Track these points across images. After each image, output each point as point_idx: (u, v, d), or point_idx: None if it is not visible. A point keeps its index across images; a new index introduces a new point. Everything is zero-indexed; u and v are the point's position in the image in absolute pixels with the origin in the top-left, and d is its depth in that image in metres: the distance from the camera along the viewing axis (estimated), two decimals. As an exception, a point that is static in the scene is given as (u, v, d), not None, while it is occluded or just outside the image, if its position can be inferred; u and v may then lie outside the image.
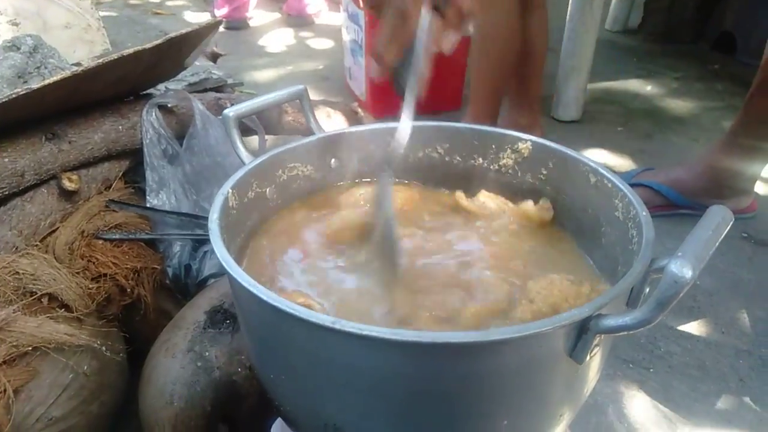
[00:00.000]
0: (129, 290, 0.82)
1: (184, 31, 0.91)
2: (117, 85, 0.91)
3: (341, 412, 0.46)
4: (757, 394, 0.95)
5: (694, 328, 1.08)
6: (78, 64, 1.20)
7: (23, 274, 0.73)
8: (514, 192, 0.68)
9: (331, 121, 1.21)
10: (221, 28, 2.71)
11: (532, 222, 0.64)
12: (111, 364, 0.76)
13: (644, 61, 2.46)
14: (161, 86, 1.10)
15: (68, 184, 0.84)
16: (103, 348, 0.74)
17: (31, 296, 0.72)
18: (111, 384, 0.75)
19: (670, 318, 1.07)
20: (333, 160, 0.69)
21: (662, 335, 1.06)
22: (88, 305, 0.76)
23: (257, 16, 2.99)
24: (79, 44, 1.47)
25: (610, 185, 0.57)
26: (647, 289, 0.47)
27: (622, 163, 1.67)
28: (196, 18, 3.04)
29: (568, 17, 1.81)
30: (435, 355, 0.39)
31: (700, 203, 1.35)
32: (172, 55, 0.95)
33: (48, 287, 0.73)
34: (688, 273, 0.36)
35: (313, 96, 2.01)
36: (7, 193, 0.80)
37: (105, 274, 0.81)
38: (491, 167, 0.69)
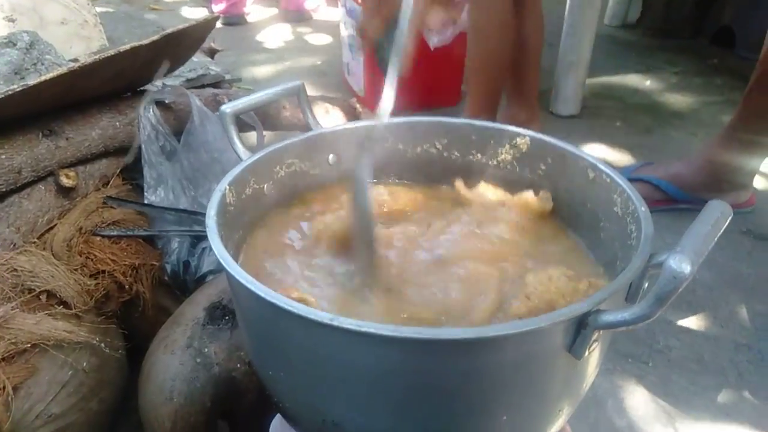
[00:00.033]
0: (127, 287, 0.82)
1: (181, 26, 0.90)
2: (114, 81, 0.91)
3: (340, 409, 0.46)
4: (756, 388, 0.95)
5: (693, 322, 1.08)
6: (75, 60, 1.20)
7: (21, 271, 0.73)
8: (512, 187, 0.67)
9: (329, 117, 1.20)
10: (219, 24, 2.70)
11: (532, 212, 0.64)
12: (110, 360, 0.76)
13: (643, 56, 2.45)
14: (159, 82, 1.10)
15: (66, 181, 0.84)
16: (102, 345, 0.74)
17: (30, 293, 0.72)
18: (110, 381, 0.75)
19: (669, 312, 1.07)
20: (331, 156, 0.69)
21: (661, 329, 1.06)
22: (87, 302, 0.76)
23: (255, 11, 2.98)
24: (76, 40, 1.47)
25: (608, 180, 0.56)
26: (646, 284, 0.47)
27: (621, 157, 1.66)
28: (194, 14, 3.03)
29: (566, 12, 1.81)
30: (433, 351, 0.39)
31: (699, 198, 1.35)
32: (169, 51, 0.94)
33: (46, 284, 0.73)
34: (686, 268, 0.36)
35: (312, 92, 2.01)
36: (4, 190, 0.80)
37: (103, 271, 0.81)
38: (490, 162, 0.69)
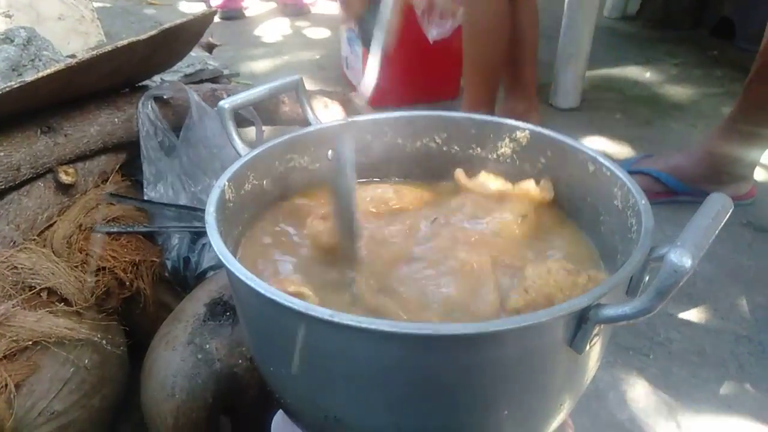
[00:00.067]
0: (128, 283, 0.82)
1: (178, 21, 0.90)
2: (112, 77, 0.91)
3: (342, 404, 0.46)
4: (757, 380, 0.95)
5: (693, 314, 1.08)
6: (72, 56, 1.19)
7: (22, 268, 0.73)
8: (513, 181, 0.67)
9: (328, 111, 1.20)
10: (216, 18, 2.69)
11: (533, 201, 0.64)
12: (112, 357, 0.76)
13: (643, 48, 2.44)
14: (157, 78, 1.10)
15: (65, 178, 0.84)
16: (104, 341, 0.74)
17: (30, 291, 0.72)
18: (112, 377, 0.75)
19: (669, 305, 1.07)
20: (330, 151, 0.69)
21: (662, 322, 1.06)
22: (88, 299, 0.76)
23: (253, 5, 2.97)
24: (74, 36, 1.46)
25: (609, 173, 0.56)
26: (647, 278, 0.47)
27: (621, 150, 1.66)
28: (192, 8, 3.01)
29: (566, 4, 1.80)
30: (434, 347, 0.39)
31: (699, 190, 1.35)
32: (167, 46, 0.94)
33: (47, 281, 0.73)
34: (687, 262, 0.36)
35: (310, 86, 2.00)
36: (3, 187, 0.79)
37: (104, 268, 0.81)
38: (490, 156, 0.69)
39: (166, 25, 0.88)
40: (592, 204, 0.60)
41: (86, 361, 0.71)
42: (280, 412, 0.64)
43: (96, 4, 1.62)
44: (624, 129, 1.78)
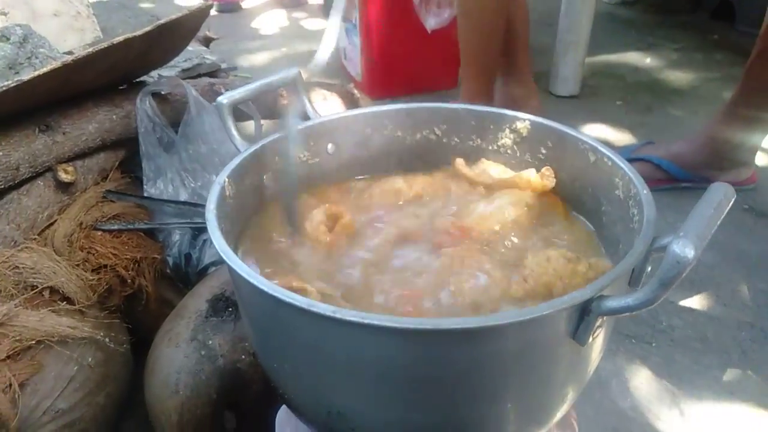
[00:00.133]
0: (130, 281, 0.82)
1: (174, 16, 0.89)
2: (109, 74, 0.90)
3: (345, 400, 0.46)
4: (760, 366, 0.95)
5: (695, 301, 1.08)
6: (70, 53, 1.19)
7: (23, 268, 0.73)
8: (513, 170, 0.67)
9: (327, 104, 1.20)
10: (213, 11, 2.68)
11: (535, 190, 0.64)
12: (115, 355, 0.76)
13: (643, 33, 2.43)
14: (154, 73, 1.09)
15: (64, 176, 0.84)
16: (107, 339, 0.74)
17: (32, 290, 0.72)
18: (116, 375, 0.76)
19: (671, 292, 1.07)
20: (330, 145, 0.68)
21: (664, 309, 1.06)
22: (90, 297, 0.76)
23: (249, -3, 2.95)
24: (70, 32, 1.45)
25: (610, 163, 0.56)
26: (649, 268, 0.47)
27: (621, 137, 1.65)
28: (188, 1, 3.00)
29: (564, -10, 1.79)
30: (436, 341, 0.39)
31: (700, 176, 1.35)
32: (163, 41, 0.93)
33: (48, 280, 0.73)
34: (690, 253, 0.36)
35: (308, 78, 1.99)
36: (2, 186, 0.79)
37: (105, 265, 0.81)
38: (490, 148, 0.68)
39: (162, 20, 0.87)
40: (593, 194, 0.59)
41: (90, 359, 0.71)
42: (284, 407, 0.64)
43: (91, 0, 1.60)
44: (624, 116, 1.77)
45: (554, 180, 0.63)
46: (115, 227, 0.86)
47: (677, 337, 1.01)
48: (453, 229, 0.59)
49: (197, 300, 0.75)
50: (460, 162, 0.68)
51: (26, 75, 0.75)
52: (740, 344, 0.99)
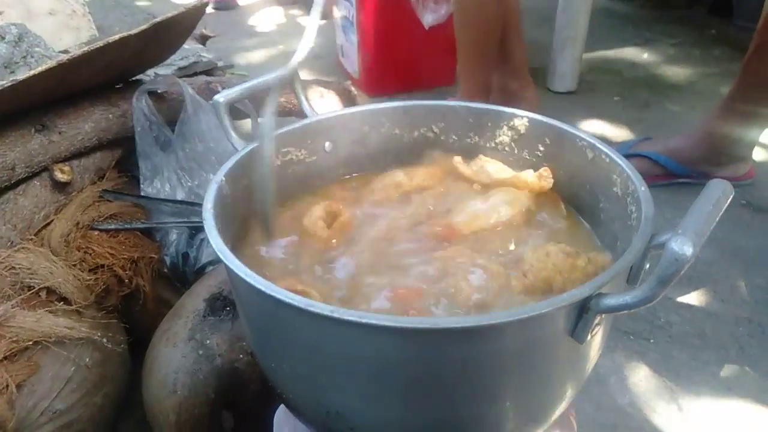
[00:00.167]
0: (127, 280, 0.82)
1: (170, 14, 0.89)
2: (105, 73, 0.90)
3: (344, 399, 0.45)
4: (757, 362, 0.95)
5: (693, 297, 1.09)
6: (65, 52, 1.18)
7: (20, 268, 0.72)
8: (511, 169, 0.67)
9: (324, 101, 1.19)
10: (209, 9, 2.67)
11: (532, 190, 0.64)
12: (113, 355, 0.76)
13: (640, 29, 2.42)
14: (150, 72, 1.09)
15: (60, 176, 0.84)
16: (104, 339, 0.74)
17: (29, 291, 0.71)
18: (113, 375, 0.75)
19: (669, 288, 1.07)
20: (327, 143, 0.68)
21: (662, 306, 1.06)
22: (87, 297, 0.75)
23: (246, -5, 2.94)
24: (65, 31, 1.44)
25: (608, 160, 0.56)
26: (647, 265, 0.47)
27: (619, 133, 1.65)
28: (184, -1, 2.99)
29: (562, -14, 1.78)
30: (435, 340, 0.39)
31: (698, 171, 1.35)
32: (159, 39, 0.93)
33: (45, 281, 0.73)
34: (689, 250, 0.36)
35: (306, 75, 1.99)
36: (-2, 187, 0.79)
37: (102, 265, 0.80)
38: (488, 145, 0.68)
39: (158, 19, 0.86)
40: (591, 191, 0.59)
41: (87, 360, 0.71)
42: (282, 406, 0.64)
43: (87, -2, 1.60)
44: (622, 111, 1.77)
45: (552, 181, 0.63)
46: (112, 227, 0.86)
47: (675, 333, 1.01)
48: (442, 230, 0.59)
49: (195, 299, 0.74)
50: (457, 160, 0.68)
51: (21, 74, 0.75)
52: (738, 340, 0.99)
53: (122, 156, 0.97)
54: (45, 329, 0.67)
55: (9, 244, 0.77)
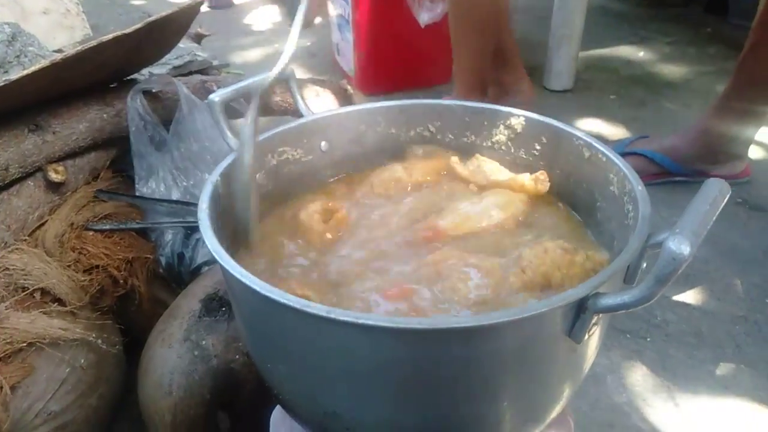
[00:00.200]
0: (122, 281, 0.81)
1: (165, 13, 0.88)
2: (99, 72, 0.89)
3: (340, 400, 0.45)
4: (753, 360, 0.95)
5: (690, 296, 1.09)
6: (59, 51, 1.17)
7: (13, 269, 0.72)
8: (508, 169, 0.67)
9: (320, 100, 1.19)
10: (205, 8, 2.66)
11: (528, 193, 0.64)
12: (108, 356, 0.75)
13: (636, 27, 2.43)
14: (145, 71, 1.08)
15: (54, 176, 0.83)
16: (99, 341, 0.73)
17: (23, 292, 0.71)
18: (109, 376, 0.75)
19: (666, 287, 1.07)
20: (323, 143, 0.68)
21: (658, 304, 1.06)
22: (82, 298, 0.75)
23: (241, -7, 2.93)
24: (59, 30, 1.44)
25: (604, 159, 0.56)
26: (644, 264, 0.47)
27: (615, 131, 1.65)
28: (179, -3, 2.97)
29: (557, -16, 1.78)
30: (431, 341, 0.39)
31: (694, 170, 1.35)
32: (154, 38, 0.92)
33: (39, 282, 0.72)
34: (686, 249, 0.36)
35: (302, 74, 1.98)
36: (-8, 187, 0.79)
37: (97, 266, 0.80)
38: (484, 144, 0.68)
39: (152, 18, 0.86)
40: (588, 190, 0.59)
41: (82, 361, 0.70)
42: (279, 407, 0.64)
43: (82, -4, 1.59)
44: (618, 110, 1.77)
45: (548, 184, 0.63)
46: (107, 227, 0.85)
47: (672, 331, 1.01)
48: (431, 232, 0.58)
49: (190, 300, 0.74)
50: (454, 160, 0.68)
51: (15, 74, 0.74)
52: (734, 338, 1.00)
53: (117, 156, 0.96)
54: (39, 330, 0.67)
55: (3, 244, 0.77)
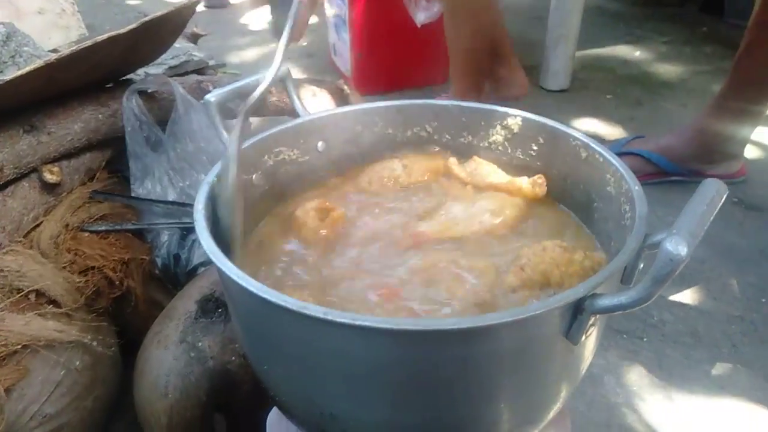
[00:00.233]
0: (118, 282, 0.81)
1: (160, 13, 0.88)
2: (94, 72, 0.89)
3: (337, 402, 0.45)
4: (750, 360, 0.96)
5: (686, 296, 1.09)
6: (54, 51, 1.17)
7: (8, 271, 0.71)
8: (505, 170, 0.66)
9: (317, 100, 1.19)
10: (201, 7, 2.65)
11: (525, 197, 0.64)
12: (103, 358, 0.75)
13: (632, 26, 2.43)
14: (141, 71, 1.08)
15: (50, 177, 0.83)
16: (94, 343, 0.73)
17: (18, 293, 0.70)
18: (104, 378, 0.75)
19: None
20: (320, 143, 0.68)
21: (655, 304, 1.06)
22: (77, 300, 0.74)
23: (237, -7, 2.93)
24: (54, 30, 1.43)
25: (601, 159, 0.56)
26: (641, 265, 0.47)
27: (612, 131, 1.66)
28: (175, -3, 2.96)
29: (554, -16, 1.78)
30: (428, 342, 0.39)
31: (690, 169, 1.35)
32: (150, 38, 0.92)
33: (34, 283, 0.72)
34: (683, 250, 0.36)
35: (298, 74, 1.98)
36: (-14, 188, 0.78)
37: (92, 267, 0.80)
38: (481, 144, 0.68)
39: (148, 18, 0.85)
40: (584, 191, 0.59)
41: (77, 363, 0.70)
42: (275, 408, 0.64)
43: (77, -4, 1.58)
44: (615, 109, 1.77)
45: (545, 189, 0.63)
46: (103, 228, 0.85)
47: (668, 331, 1.01)
48: (421, 235, 0.58)
49: (186, 301, 0.74)
50: (452, 161, 0.68)
51: (9, 74, 0.74)
52: (730, 338, 1.00)
53: (112, 156, 0.96)
54: (34, 332, 0.66)
55: (-3, 246, 0.76)
